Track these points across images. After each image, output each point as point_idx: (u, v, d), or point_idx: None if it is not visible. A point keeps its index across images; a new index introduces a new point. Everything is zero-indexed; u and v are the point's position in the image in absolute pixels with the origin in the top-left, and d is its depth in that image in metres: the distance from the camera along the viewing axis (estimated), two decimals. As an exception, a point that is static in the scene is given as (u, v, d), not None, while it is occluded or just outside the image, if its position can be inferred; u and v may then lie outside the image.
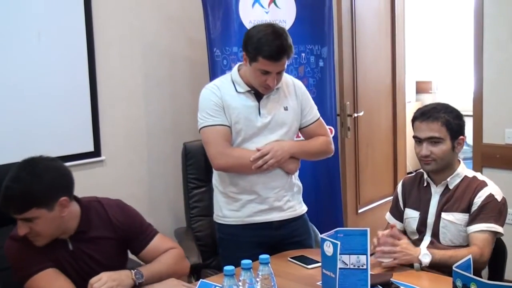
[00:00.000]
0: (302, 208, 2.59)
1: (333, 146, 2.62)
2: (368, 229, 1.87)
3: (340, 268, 1.80)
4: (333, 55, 3.52)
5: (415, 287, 1.96)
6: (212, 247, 2.82)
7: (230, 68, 2.90)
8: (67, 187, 1.94)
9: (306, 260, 2.27)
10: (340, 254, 1.78)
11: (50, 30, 3.07)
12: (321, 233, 1.91)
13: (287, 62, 2.35)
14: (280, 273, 2.04)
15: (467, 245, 2.21)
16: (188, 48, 3.76)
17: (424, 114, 2.26)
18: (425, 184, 2.36)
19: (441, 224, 2.26)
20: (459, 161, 2.34)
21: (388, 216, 2.50)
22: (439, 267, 2.11)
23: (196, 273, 2.67)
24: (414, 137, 2.30)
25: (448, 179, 2.28)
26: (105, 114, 3.35)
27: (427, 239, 2.29)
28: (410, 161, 5.11)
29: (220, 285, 1.72)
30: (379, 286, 1.93)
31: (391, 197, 2.60)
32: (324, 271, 1.84)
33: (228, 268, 1.67)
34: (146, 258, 2.11)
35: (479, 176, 2.30)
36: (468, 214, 2.22)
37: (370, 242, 1.92)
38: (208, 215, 2.74)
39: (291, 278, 2.11)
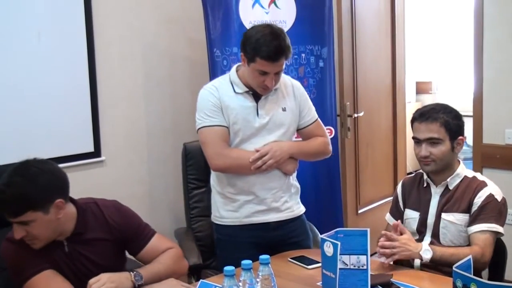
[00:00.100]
0: (300, 209, 2.59)
1: (330, 147, 2.62)
2: (368, 230, 1.87)
3: (340, 269, 1.80)
4: (333, 55, 3.52)
5: (415, 287, 1.96)
6: (212, 247, 2.82)
7: (230, 69, 2.89)
8: (62, 188, 1.93)
9: (306, 261, 2.27)
10: (340, 254, 1.78)
11: (50, 30, 3.07)
12: (321, 234, 1.91)
13: (285, 63, 2.34)
14: (280, 274, 2.04)
15: (467, 246, 2.21)
16: (188, 48, 3.76)
17: (423, 115, 2.26)
18: (425, 185, 2.36)
19: (441, 225, 2.26)
20: (459, 161, 2.34)
21: (388, 217, 2.50)
22: (439, 265, 2.11)
23: (196, 273, 2.67)
24: (413, 138, 2.30)
25: (448, 180, 2.28)
26: (105, 115, 3.35)
27: (427, 240, 2.29)
28: (410, 162, 5.11)
29: (220, 286, 1.72)
30: (379, 286, 1.93)
31: (391, 198, 2.60)
32: (324, 271, 1.84)
33: (228, 268, 1.67)
34: (144, 258, 2.10)
35: (479, 176, 2.30)
36: (468, 215, 2.22)
37: (374, 243, 1.92)
38: (208, 216, 2.73)
39: (291, 279, 2.11)
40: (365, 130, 4.20)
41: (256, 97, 2.42)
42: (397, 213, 2.46)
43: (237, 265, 1.71)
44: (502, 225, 2.20)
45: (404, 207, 2.43)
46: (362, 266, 1.87)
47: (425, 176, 2.36)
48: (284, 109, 2.47)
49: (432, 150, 2.23)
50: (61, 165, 1.99)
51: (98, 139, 3.33)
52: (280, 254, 2.36)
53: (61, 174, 1.94)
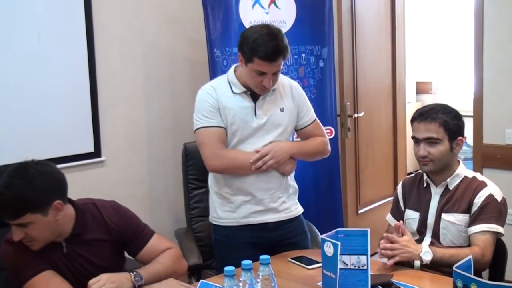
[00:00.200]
0: (298, 210, 2.59)
1: (329, 147, 2.63)
2: (369, 230, 1.87)
3: (340, 269, 1.80)
4: (333, 55, 3.52)
5: (415, 287, 1.96)
6: (212, 247, 2.82)
7: (230, 69, 2.89)
8: (61, 190, 1.93)
9: (306, 261, 2.27)
10: (340, 254, 1.78)
11: (50, 30, 3.07)
12: (321, 234, 1.91)
13: (284, 63, 2.34)
14: (281, 274, 2.04)
15: (467, 246, 2.21)
16: (188, 49, 3.76)
17: (422, 115, 2.26)
18: (424, 185, 2.36)
19: (441, 225, 2.26)
20: (459, 161, 2.34)
21: (389, 218, 2.50)
22: (440, 266, 2.11)
23: (196, 273, 2.67)
24: (412, 137, 2.31)
25: (448, 180, 2.28)
26: (105, 115, 3.35)
27: (427, 240, 2.29)
28: (410, 162, 5.10)
29: (221, 286, 1.72)
30: (379, 286, 1.93)
31: (391, 198, 2.60)
32: (324, 271, 1.84)
33: (229, 268, 1.67)
34: (144, 259, 2.10)
35: (479, 176, 2.30)
36: (468, 215, 2.22)
37: (375, 243, 1.92)
38: (208, 216, 2.73)
39: (291, 279, 2.11)
40: (365, 130, 4.20)
41: (254, 97, 2.42)
42: (398, 214, 2.45)
43: (235, 265, 1.71)
44: (502, 225, 2.20)
45: (405, 208, 2.43)
46: (363, 266, 1.87)
47: (425, 176, 2.36)
48: (282, 110, 2.47)
49: (431, 150, 2.24)
50: (61, 166, 2.00)
51: (98, 139, 3.33)
52: (280, 254, 2.36)
53: (60, 176, 1.94)
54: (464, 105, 3.31)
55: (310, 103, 2.61)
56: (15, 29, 2.95)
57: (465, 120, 2.32)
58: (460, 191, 2.26)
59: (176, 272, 2.09)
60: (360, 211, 4.21)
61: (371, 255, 1.90)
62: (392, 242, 2.12)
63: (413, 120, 2.30)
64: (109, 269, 1.95)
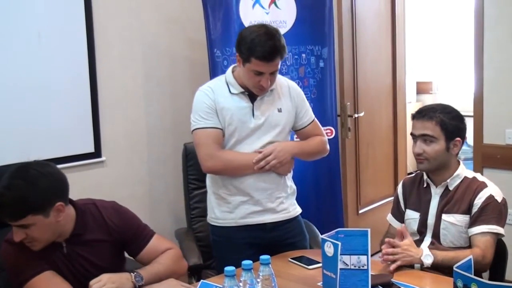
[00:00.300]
0: (296, 210, 2.59)
1: (328, 146, 2.63)
2: (369, 230, 1.87)
3: (340, 269, 1.80)
4: (333, 55, 3.52)
5: (415, 287, 1.96)
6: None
7: (231, 69, 2.89)
8: (62, 191, 1.93)
9: (306, 261, 2.27)
10: (340, 254, 1.78)
11: (51, 30, 3.07)
12: (321, 234, 1.91)
13: (283, 63, 2.34)
14: (281, 274, 2.04)
15: (468, 247, 2.21)
16: (188, 49, 3.76)
17: (421, 113, 2.28)
18: (425, 185, 2.36)
19: (441, 226, 2.26)
20: (459, 162, 2.33)
21: (390, 218, 2.50)
22: (440, 268, 2.10)
23: (196, 273, 2.67)
24: (410, 134, 2.32)
25: (448, 180, 2.28)
26: (105, 115, 3.35)
27: (427, 240, 2.29)
28: (410, 162, 5.10)
29: (221, 286, 1.72)
30: (379, 286, 1.93)
31: (392, 198, 2.60)
32: (324, 271, 1.84)
33: (229, 268, 1.67)
34: (144, 259, 2.10)
35: (479, 177, 2.30)
36: (468, 216, 2.22)
37: (375, 243, 1.91)
38: (208, 216, 2.73)
39: (291, 279, 2.11)
40: (366, 130, 4.20)
41: (252, 97, 2.42)
42: (398, 214, 2.45)
43: (234, 266, 1.70)
44: (502, 226, 2.20)
45: (405, 208, 2.43)
46: (363, 266, 1.87)
47: (425, 177, 2.36)
48: (279, 110, 2.47)
49: (426, 148, 2.24)
50: (61, 166, 2.00)
51: (99, 140, 3.33)
52: (280, 254, 2.36)
53: (61, 177, 1.93)
54: (464, 105, 3.31)
55: (308, 103, 2.61)
56: (15, 30, 2.95)
57: (465, 120, 2.32)
58: (460, 192, 2.26)
59: (176, 272, 2.09)
60: (360, 211, 4.21)
61: (372, 255, 1.90)
62: (393, 247, 2.12)
63: (412, 117, 2.32)
64: (109, 270, 1.95)
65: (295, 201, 2.61)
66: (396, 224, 2.44)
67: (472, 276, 1.59)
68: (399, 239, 2.16)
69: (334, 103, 3.55)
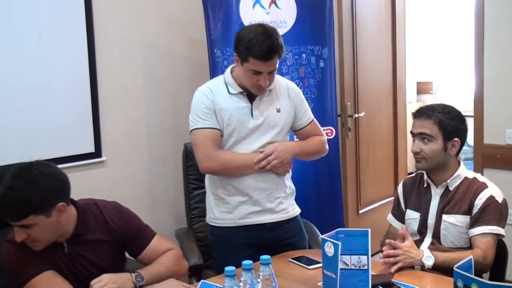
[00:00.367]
0: (295, 210, 2.59)
1: (327, 146, 2.63)
2: (369, 230, 1.87)
3: (341, 269, 1.80)
4: (333, 55, 3.52)
5: (416, 287, 1.96)
6: (213, 248, 2.82)
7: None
8: (64, 192, 1.93)
9: (307, 261, 2.27)
10: (341, 254, 1.78)
11: (51, 31, 3.07)
12: (322, 234, 1.91)
13: (278, 62, 2.34)
14: (281, 274, 2.04)
15: (468, 247, 2.21)
16: (189, 49, 3.76)
17: (420, 112, 2.29)
18: (425, 185, 2.36)
19: (442, 226, 2.25)
20: (459, 162, 2.33)
21: (390, 217, 2.50)
22: (442, 269, 2.10)
23: (197, 273, 2.67)
24: (410, 132, 2.33)
25: (448, 181, 2.27)
26: (105, 115, 3.35)
27: (427, 240, 2.29)
28: (410, 162, 5.09)
29: (221, 286, 1.72)
30: (380, 286, 1.93)
31: (392, 198, 2.59)
32: (325, 271, 1.84)
33: (229, 268, 1.67)
34: (145, 260, 2.10)
35: (480, 177, 2.29)
36: (469, 216, 2.22)
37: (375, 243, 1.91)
38: (209, 216, 2.73)
39: (292, 279, 2.11)
40: (366, 130, 4.20)
41: (251, 98, 2.42)
42: (399, 214, 2.45)
43: (233, 266, 1.70)
44: (503, 226, 2.19)
45: (405, 208, 2.43)
46: (363, 266, 1.87)
47: (425, 177, 2.36)
48: (278, 110, 2.47)
49: (423, 147, 2.24)
50: (61, 166, 2.00)
51: (99, 140, 3.33)
52: (281, 254, 2.36)
53: (63, 177, 1.93)
54: (464, 105, 3.31)
55: (307, 104, 2.61)
56: (16, 30, 2.95)
57: (467, 121, 2.32)
58: (461, 192, 2.26)
59: (177, 272, 2.09)
60: (360, 211, 4.21)
61: (372, 255, 1.90)
62: (394, 248, 2.12)
63: (413, 116, 2.33)
64: (110, 270, 1.95)
65: (294, 201, 2.61)
66: (396, 224, 2.44)
67: (473, 276, 1.59)
68: (400, 241, 2.16)
69: (334, 103, 3.55)
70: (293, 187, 2.60)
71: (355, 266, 1.87)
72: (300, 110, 2.54)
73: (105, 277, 1.87)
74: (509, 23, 3.38)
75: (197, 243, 2.89)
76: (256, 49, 2.26)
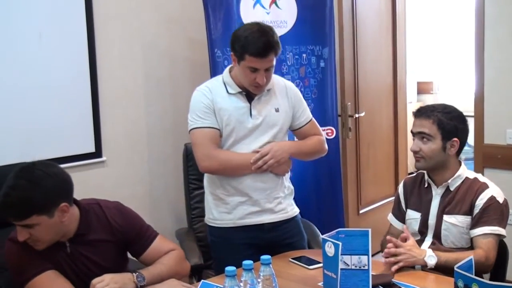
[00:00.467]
0: (294, 210, 2.58)
1: (326, 145, 2.62)
2: (370, 230, 1.87)
3: (341, 269, 1.79)
4: (334, 55, 3.52)
5: (416, 287, 1.96)
6: (213, 248, 2.82)
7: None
8: (67, 192, 1.93)
9: (307, 261, 2.27)
10: (341, 254, 1.78)
11: (51, 31, 3.07)
12: (322, 234, 1.91)
13: (275, 60, 2.34)
14: (282, 274, 2.04)
15: (468, 248, 2.21)
16: (189, 49, 3.76)
17: (420, 111, 2.30)
18: (426, 185, 2.36)
19: (443, 227, 2.25)
20: (460, 162, 2.33)
21: (390, 217, 2.49)
22: (441, 269, 2.10)
23: (197, 273, 2.67)
24: (411, 131, 2.33)
25: (449, 181, 2.27)
26: (106, 115, 3.35)
27: (428, 240, 2.29)
28: (411, 162, 5.10)
29: (222, 286, 1.72)
30: (380, 286, 1.93)
31: (393, 198, 2.59)
32: (325, 271, 1.84)
33: (230, 268, 1.67)
34: (147, 260, 2.10)
35: (480, 177, 2.29)
36: (470, 217, 2.21)
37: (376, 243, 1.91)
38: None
39: (292, 279, 2.11)
40: (366, 130, 4.20)
41: (249, 97, 2.42)
42: (399, 214, 2.45)
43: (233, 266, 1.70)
44: (504, 227, 2.19)
45: (406, 208, 2.42)
46: (364, 267, 1.86)
47: (426, 177, 2.35)
48: (277, 110, 2.47)
49: (422, 146, 2.25)
50: (62, 166, 1.99)
51: (99, 140, 3.33)
52: (281, 254, 2.36)
53: (66, 178, 1.93)
54: (465, 105, 3.30)
55: (305, 103, 2.61)
56: (16, 30, 2.95)
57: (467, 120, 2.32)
58: (462, 193, 2.25)
59: (179, 273, 2.09)
60: (361, 211, 4.21)
61: (372, 255, 1.90)
62: (396, 247, 2.12)
63: (413, 115, 2.33)
64: (112, 270, 1.95)
65: (293, 201, 2.61)
66: (396, 224, 2.44)
67: (473, 276, 1.59)
68: (402, 241, 2.16)
69: (334, 103, 3.55)
70: (291, 187, 2.60)
71: (356, 266, 1.87)
72: (298, 110, 2.54)
73: (107, 277, 1.87)
74: (510, 23, 3.37)
75: (198, 243, 2.89)
76: (252, 46, 2.27)
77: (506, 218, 2.21)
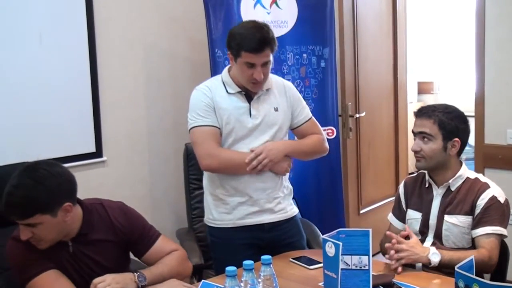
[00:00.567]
0: (293, 210, 2.58)
1: (327, 144, 2.60)
2: (370, 230, 1.87)
3: (342, 269, 1.79)
4: (334, 55, 3.52)
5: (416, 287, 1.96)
6: (213, 248, 2.82)
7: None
8: (71, 192, 1.93)
9: (307, 261, 2.27)
10: (342, 254, 1.78)
11: (52, 31, 3.07)
12: (323, 234, 1.91)
13: (271, 55, 2.34)
14: (282, 274, 2.04)
15: (469, 248, 2.21)
16: (189, 49, 3.76)
17: (421, 111, 2.30)
18: (426, 185, 2.36)
19: (444, 227, 2.25)
20: (461, 162, 2.33)
21: (390, 217, 2.49)
22: (446, 268, 2.09)
23: (197, 273, 2.67)
24: (412, 131, 2.33)
25: (450, 181, 2.27)
26: (106, 115, 3.36)
27: (429, 240, 2.28)
28: (411, 162, 5.09)
29: (222, 286, 1.72)
30: (381, 286, 1.93)
31: (393, 198, 2.59)
32: (326, 271, 1.84)
33: (230, 268, 1.67)
34: (149, 260, 2.11)
35: (481, 177, 2.29)
36: (471, 217, 2.21)
37: (376, 243, 1.90)
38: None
39: (293, 279, 2.11)
40: (367, 130, 4.20)
41: (249, 97, 2.42)
42: (400, 213, 2.45)
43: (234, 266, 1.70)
44: (505, 227, 2.19)
45: (406, 207, 2.42)
46: (364, 267, 1.86)
47: (427, 177, 2.35)
48: (276, 109, 2.47)
49: (423, 146, 2.25)
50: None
51: (100, 140, 3.33)
52: (281, 255, 2.36)
53: (70, 178, 1.93)
54: (465, 105, 3.30)
55: (304, 102, 2.60)
56: (16, 30, 2.95)
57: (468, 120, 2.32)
58: (463, 193, 2.25)
59: (180, 274, 2.09)
60: (361, 211, 4.21)
61: (373, 255, 1.90)
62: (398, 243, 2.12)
63: (414, 115, 2.33)
64: (114, 270, 1.95)
65: (292, 201, 2.61)
66: (396, 223, 2.44)
67: (474, 276, 1.59)
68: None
69: (335, 103, 3.55)
70: (290, 187, 2.60)
71: (356, 266, 1.87)
72: (296, 109, 2.54)
73: (109, 277, 1.88)
74: (510, 23, 3.37)
75: (198, 243, 2.89)
76: (247, 42, 2.27)
77: (507, 218, 2.21)
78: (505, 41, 3.40)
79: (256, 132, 2.42)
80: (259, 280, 1.69)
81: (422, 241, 2.29)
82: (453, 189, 2.27)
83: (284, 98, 2.50)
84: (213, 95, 2.40)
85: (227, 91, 2.42)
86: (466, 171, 2.30)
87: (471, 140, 3.55)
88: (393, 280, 1.98)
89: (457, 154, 2.30)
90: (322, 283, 1.89)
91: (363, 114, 4.08)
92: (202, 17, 3.40)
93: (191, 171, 3.03)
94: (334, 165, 3.52)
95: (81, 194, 2.08)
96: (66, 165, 2.86)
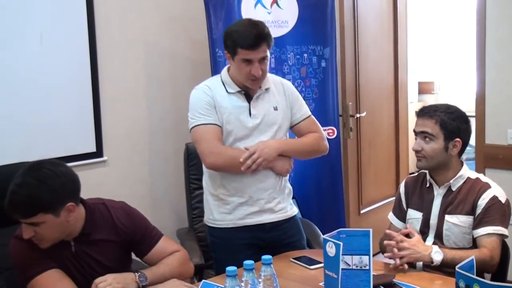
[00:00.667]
0: (293, 210, 2.58)
1: (326, 143, 2.58)
2: (371, 230, 1.87)
3: (342, 269, 1.79)
4: (335, 55, 3.52)
5: (417, 288, 1.96)
6: (214, 247, 2.82)
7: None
8: (74, 192, 1.93)
9: (308, 261, 2.27)
10: (342, 254, 1.78)
11: (53, 31, 3.07)
12: (323, 234, 1.91)
13: (268, 51, 2.34)
14: (283, 274, 2.03)
15: (470, 248, 2.20)
16: (190, 48, 3.76)
17: (423, 111, 2.30)
18: (427, 185, 2.36)
19: (444, 227, 2.25)
20: (462, 162, 2.33)
21: (391, 216, 2.49)
22: (448, 267, 2.09)
23: (198, 273, 2.67)
24: (413, 131, 2.33)
25: (451, 181, 2.27)
26: (107, 115, 3.36)
27: (430, 240, 2.28)
28: (412, 162, 5.09)
29: (222, 286, 1.72)
30: (381, 286, 1.93)
31: (394, 198, 2.59)
32: (326, 271, 1.84)
33: (231, 268, 1.66)
34: (151, 261, 2.11)
35: (482, 177, 2.29)
36: (472, 217, 2.21)
37: (377, 243, 1.90)
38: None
39: (293, 279, 2.11)
40: (367, 130, 4.20)
41: (248, 97, 2.42)
42: (400, 213, 2.45)
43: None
44: (506, 227, 2.19)
45: (407, 207, 2.42)
46: (365, 267, 1.86)
47: (427, 176, 2.35)
48: (275, 108, 2.46)
49: (424, 146, 2.25)
50: (63, 165, 1.99)
51: (100, 139, 3.33)
52: (282, 255, 2.36)
53: (74, 177, 1.93)
54: (466, 105, 3.30)
55: (303, 100, 2.59)
56: (17, 31, 2.95)
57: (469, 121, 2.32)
58: (464, 193, 2.25)
59: (182, 274, 2.09)
60: (362, 211, 4.21)
61: (373, 255, 1.90)
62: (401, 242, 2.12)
63: (416, 115, 2.34)
64: (116, 269, 1.95)
65: (292, 201, 2.61)
66: (397, 223, 2.44)
67: (474, 276, 1.59)
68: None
69: (336, 103, 3.55)
70: (290, 187, 2.59)
71: (357, 266, 1.87)
72: (294, 106, 2.53)
73: (110, 277, 1.88)
74: (511, 23, 3.37)
75: (198, 243, 2.89)
76: (243, 39, 2.28)
77: (508, 218, 2.21)
78: (506, 41, 3.40)
79: (256, 132, 2.42)
80: (260, 280, 1.69)
81: (423, 240, 2.29)
82: (454, 189, 2.27)
83: (283, 97, 2.50)
84: (214, 94, 2.40)
85: (226, 91, 2.42)
86: (467, 171, 2.30)
87: (472, 140, 3.56)
88: (393, 280, 1.98)
89: (458, 154, 2.29)
90: (323, 283, 1.89)
91: (363, 114, 4.07)
92: (203, 17, 3.40)
93: (192, 171, 3.03)
94: (335, 165, 3.52)
95: (82, 194, 2.08)
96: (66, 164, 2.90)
